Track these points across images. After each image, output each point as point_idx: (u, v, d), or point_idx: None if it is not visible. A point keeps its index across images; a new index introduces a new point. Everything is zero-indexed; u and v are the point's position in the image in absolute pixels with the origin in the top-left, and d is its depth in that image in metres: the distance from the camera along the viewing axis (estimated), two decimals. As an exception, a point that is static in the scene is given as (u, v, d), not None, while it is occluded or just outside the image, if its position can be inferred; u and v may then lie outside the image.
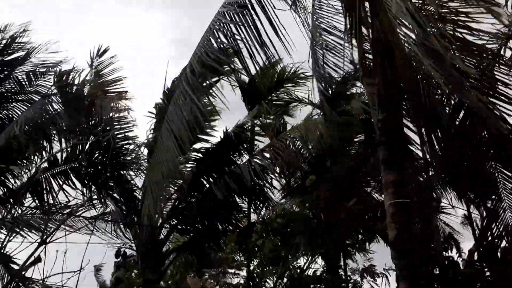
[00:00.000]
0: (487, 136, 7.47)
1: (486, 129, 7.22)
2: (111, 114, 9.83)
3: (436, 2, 5.68)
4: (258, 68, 11.01)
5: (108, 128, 9.83)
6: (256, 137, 11.64)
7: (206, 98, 6.59)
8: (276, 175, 10.62)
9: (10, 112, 10.19)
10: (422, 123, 7.73)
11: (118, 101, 9.87)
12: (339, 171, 10.63)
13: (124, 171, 10.55)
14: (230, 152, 10.80)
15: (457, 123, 7.80)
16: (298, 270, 9.37)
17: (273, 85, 11.97)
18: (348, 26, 5.86)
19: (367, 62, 6.32)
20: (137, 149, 10.50)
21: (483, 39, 5.68)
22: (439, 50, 4.25)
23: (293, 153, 9.99)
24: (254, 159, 10.10)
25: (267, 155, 9.95)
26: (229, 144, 10.75)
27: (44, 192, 9.85)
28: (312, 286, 9.47)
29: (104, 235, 10.82)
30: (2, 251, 8.65)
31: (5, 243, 8.50)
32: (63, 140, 9.72)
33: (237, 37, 5.44)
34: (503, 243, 8.74)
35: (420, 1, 5.93)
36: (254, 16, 5.38)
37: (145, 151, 10.57)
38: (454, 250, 11.01)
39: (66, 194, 9.99)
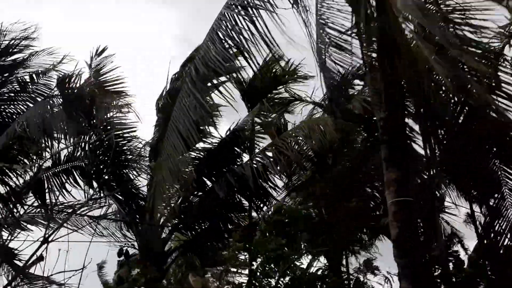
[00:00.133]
0: (490, 135, 7.45)
1: (489, 128, 7.20)
2: (112, 113, 9.85)
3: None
4: (258, 67, 11.11)
5: (109, 127, 9.84)
6: (257, 136, 11.64)
7: (209, 98, 6.61)
8: (278, 174, 10.59)
9: (13, 112, 10.22)
10: (424, 122, 7.73)
11: (118, 100, 9.88)
12: (340, 169, 10.64)
13: (126, 170, 10.56)
14: (231, 151, 10.80)
15: (459, 121, 7.80)
16: (300, 269, 9.36)
17: (273, 83, 11.95)
18: (353, 22, 5.88)
19: (371, 61, 6.32)
20: (139, 148, 10.51)
21: (486, 37, 5.66)
22: (445, 44, 4.24)
23: (295, 152, 9.97)
24: (256, 158, 10.10)
25: (270, 154, 9.94)
26: (230, 143, 10.75)
27: (46, 190, 9.87)
28: (314, 284, 9.46)
29: (107, 234, 10.86)
30: (6, 248, 8.69)
31: (8, 241, 8.54)
32: (65, 139, 9.75)
33: (239, 37, 5.44)
34: (506, 241, 8.72)
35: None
36: (256, 16, 5.38)
37: (147, 149, 10.57)
38: (459, 248, 10.94)
39: (68, 193, 10.03)
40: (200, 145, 10.68)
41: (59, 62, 10.19)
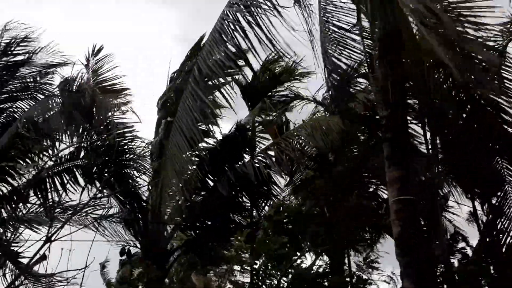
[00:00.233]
0: (493, 133, 7.45)
1: (492, 126, 7.20)
2: (112, 113, 9.86)
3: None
4: (260, 66, 11.09)
5: (109, 127, 9.85)
6: (258, 136, 11.64)
7: (212, 97, 6.63)
8: (280, 173, 10.59)
9: (15, 111, 10.24)
10: (427, 120, 7.73)
11: (118, 99, 9.90)
12: (341, 168, 10.63)
13: (128, 170, 10.57)
14: (233, 151, 10.80)
15: (462, 120, 7.79)
16: (302, 268, 9.37)
17: (274, 82, 11.94)
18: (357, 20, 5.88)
19: (373, 58, 6.32)
20: (140, 147, 10.53)
21: (489, 34, 5.65)
22: (453, 34, 4.23)
23: (297, 151, 9.96)
24: (258, 157, 10.10)
25: (271, 153, 9.94)
26: (232, 142, 10.76)
27: (49, 190, 9.89)
28: (316, 282, 9.47)
29: (108, 233, 10.88)
30: (9, 247, 8.72)
31: (11, 240, 8.56)
32: (66, 139, 9.78)
33: (242, 36, 5.44)
34: (508, 240, 8.71)
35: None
36: (258, 15, 5.38)
37: (148, 148, 10.58)
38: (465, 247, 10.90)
39: (70, 192, 10.04)
40: (203, 144, 10.68)
41: (62, 64, 10.21)
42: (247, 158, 10.84)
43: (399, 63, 5.78)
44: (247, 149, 11.09)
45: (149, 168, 10.50)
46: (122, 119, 10.16)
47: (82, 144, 10.02)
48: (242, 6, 5.51)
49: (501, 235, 8.76)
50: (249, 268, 9.70)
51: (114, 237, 10.92)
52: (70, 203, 10.03)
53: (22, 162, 9.43)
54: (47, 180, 9.95)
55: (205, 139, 10.33)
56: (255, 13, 5.34)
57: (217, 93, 6.37)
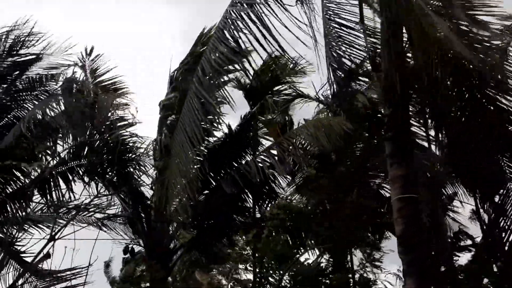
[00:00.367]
0: (495, 131, 7.44)
1: (494, 124, 7.20)
2: (114, 112, 9.90)
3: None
4: (262, 65, 11.09)
5: (111, 126, 9.88)
6: (260, 136, 11.66)
7: (216, 96, 6.66)
8: (283, 172, 10.60)
9: (22, 111, 10.28)
10: (429, 118, 7.72)
11: (120, 99, 9.94)
12: (343, 168, 10.65)
13: (131, 169, 10.60)
14: (235, 149, 10.83)
15: (464, 118, 7.78)
16: (305, 264, 9.41)
17: (276, 80, 11.95)
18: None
19: (376, 56, 6.33)
20: (142, 148, 10.54)
21: (493, 32, 5.66)
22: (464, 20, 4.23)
23: (299, 151, 9.98)
24: (261, 156, 10.12)
25: (274, 152, 9.95)
26: (234, 141, 10.78)
27: (52, 189, 9.92)
28: (318, 280, 9.51)
29: (112, 232, 10.91)
30: (13, 246, 8.76)
31: (15, 239, 8.60)
32: (70, 138, 9.82)
33: (245, 34, 5.45)
34: (511, 238, 8.70)
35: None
36: (262, 14, 5.39)
37: (150, 147, 10.60)
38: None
39: (73, 191, 10.06)
40: (205, 143, 10.69)
41: (68, 65, 10.24)
42: (248, 156, 10.87)
43: (402, 61, 5.79)
44: (250, 148, 11.12)
45: (152, 167, 10.52)
46: (124, 118, 10.20)
47: (85, 144, 10.04)
48: (245, 5, 5.52)
49: (503, 233, 8.76)
50: (252, 266, 9.74)
51: (118, 236, 10.98)
52: (74, 203, 10.06)
53: (26, 161, 9.46)
54: (51, 180, 9.98)
55: (208, 137, 10.38)
56: (258, 12, 5.35)
57: (219, 92, 6.38)
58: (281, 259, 9.88)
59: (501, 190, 8.57)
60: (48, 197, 10.03)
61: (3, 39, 10.05)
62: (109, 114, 9.83)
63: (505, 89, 6.69)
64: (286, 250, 9.78)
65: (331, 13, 6.43)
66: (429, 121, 8.57)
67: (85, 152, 10.13)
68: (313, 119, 11.09)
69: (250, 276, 10.98)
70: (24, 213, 9.59)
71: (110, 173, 10.36)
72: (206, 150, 10.65)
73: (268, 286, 10.10)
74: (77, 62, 10.23)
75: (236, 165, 10.51)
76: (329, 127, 9.19)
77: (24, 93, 10.34)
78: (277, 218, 10.35)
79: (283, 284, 9.83)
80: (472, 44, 5.41)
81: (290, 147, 9.64)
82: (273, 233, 10.10)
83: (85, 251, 7.30)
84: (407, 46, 6.22)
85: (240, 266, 11.06)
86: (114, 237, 10.86)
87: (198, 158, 10.15)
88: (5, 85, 10.23)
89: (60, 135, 9.62)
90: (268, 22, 5.31)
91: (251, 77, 11.54)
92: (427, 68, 6.08)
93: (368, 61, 6.73)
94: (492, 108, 7.03)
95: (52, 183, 9.97)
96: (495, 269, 9.45)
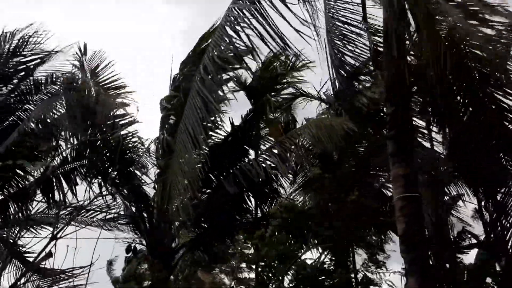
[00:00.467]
0: (498, 129, 7.42)
1: (497, 122, 7.18)
2: (115, 111, 9.91)
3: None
4: (263, 63, 11.06)
5: (113, 125, 9.90)
6: (263, 133, 11.65)
7: (218, 94, 6.65)
8: (285, 172, 10.59)
9: (26, 111, 10.31)
10: (431, 117, 7.70)
11: (120, 97, 9.95)
12: (346, 167, 10.64)
13: (133, 168, 10.61)
14: (236, 148, 10.83)
15: (466, 116, 7.76)
16: (307, 263, 9.41)
17: (278, 78, 11.93)
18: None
19: (378, 54, 6.33)
20: (143, 148, 10.56)
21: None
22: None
23: (302, 150, 9.96)
24: (263, 155, 10.12)
25: (276, 151, 9.94)
26: (236, 140, 10.78)
27: (55, 188, 9.94)
28: (319, 279, 9.50)
29: (114, 231, 10.93)
30: (16, 245, 8.77)
31: (17, 238, 8.61)
32: (72, 137, 9.83)
33: (248, 31, 5.45)
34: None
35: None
36: (264, 11, 5.38)
37: (152, 146, 10.63)
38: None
39: (75, 192, 10.08)
40: (207, 142, 10.69)
41: (73, 67, 10.25)
42: (251, 155, 10.87)
43: (404, 59, 5.79)
44: (252, 147, 11.12)
45: (154, 165, 10.54)
46: (125, 116, 10.21)
47: (87, 143, 10.05)
48: (248, 2, 5.51)
49: (506, 232, 8.73)
50: (254, 265, 9.74)
51: (120, 235, 11.00)
52: (76, 203, 10.08)
53: (29, 161, 9.48)
54: (53, 179, 10.01)
55: (210, 136, 10.38)
56: (260, 9, 5.33)
57: (221, 90, 6.37)
58: (283, 258, 9.88)
59: (503, 189, 8.54)
60: (51, 197, 10.06)
61: (8, 40, 10.08)
62: (111, 113, 9.85)
63: (507, 88, 6.68)
64: (288, 250, 9.78)
65: (333, 11, 6.43)
66: (431, 120, 8.55)
67: (87, 152, 10.15)
68: (315, 118, 11.08)
69: (252, 275, 11.01)
70: (26, 213, 9.61)
71: (112, 173, 10.37)
72: (208, 149, 10.65)
73: (270, 285, 10.11)
74: (75, 61, 10.26)
75: (238, 164, 10.51)
76: (330, 127, 9.17)
77: (28, 96, 10.35)
78: (280, 217, 10.35)
79: (285, 283, 9.83)
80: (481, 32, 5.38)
81: (293, 147, 9.63)
82: (276, 233, 10.10)
83: (87, 250, 7.29)
84: (415, 37, 6.19)
85: (242, 265, 11.06)
86: (117, 236, 10.90)
87: (200, 157, 10.16)
88: (10, 86, 10.27)
89: (63, 134, 9.64)
90: (270, 20, 5.30)
91: (252, 76, 11.54)
92: (434, 56, 6.00)
93: (370, 60, 6.72)
94: (493, 107, 7.01)
95: (54, 183, 10.00)
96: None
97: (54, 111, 9.18)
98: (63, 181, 10.13)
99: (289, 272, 9.83)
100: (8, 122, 10.14)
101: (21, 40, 10.10)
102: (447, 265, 9.26)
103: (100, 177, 10.26)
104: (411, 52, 6.59)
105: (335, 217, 10.18)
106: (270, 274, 10.02)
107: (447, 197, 10.26)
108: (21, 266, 9.24)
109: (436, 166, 9.16)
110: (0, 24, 10.11)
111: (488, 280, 9.86)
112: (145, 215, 10.53)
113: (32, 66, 10.29)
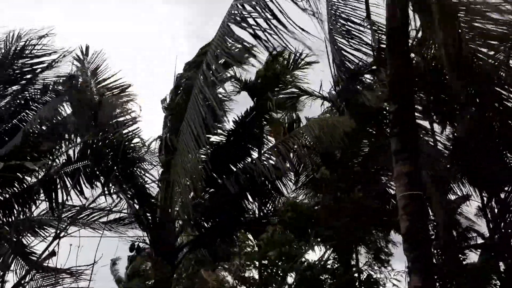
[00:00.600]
0: (501, 127, 7.40)
1: (500, 120, 7.16)
2: (117, 110, 9.93)
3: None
4: (265, 61, 11.03)
5: (116, 124, 9.91)
6: (266, 131, 11.64)
7: (221, 91, 6.65)
8: (287, 171, 10.58)
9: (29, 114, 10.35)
10: (435, 115, 7.69)
11: (122, 97, 9.97)
12: (348, 166, 10.62)
13: (135, 168, 10.62)
14: (240, 147, 10.83)
15: (469, 115, 7.74)
16: (310, 262, 9.40)
17: (281, 77, 11.92)
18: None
19: (381, 52, 6.31)
20: (146, 145, 10.57)
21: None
22: None
23: (305, 149, 9.95)
24: (265, 155, 10.12)
25: (279, 150, 9.93)
26: (238, 138, 10.78)
27: (58, 187, 9.96)
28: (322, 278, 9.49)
29: (118, 229, 10.95)
30: (19, 244, 8.80)
31: (21, 237, 8.64)
32: (75, 137, 9.86)
33: (250, 28, 5.43)
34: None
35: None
36: (267, 8, 5.36)
37: (153, 145, 10.63)
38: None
39: (79, 191, 10.09)
40: (209, 141, 10.70)
41: (77, 67, 10.28)
42: (254, 154, 10.87)
43: (407, 56, 5.77)
44: (254, 146, 11.12)
45: (157, 164, 10.55)
46: (127, 116, 10.22)
47: (90, 143, 10.07)
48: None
49: (510, 229, 8.71)
50: (257, 264, 9.73)
51: (123, 234, 11.02)
52: (80, 204, 10.09)
53: (33, 161, 9.50)
54: (57, 180, 10.02)
55: (212, 135, 10.40)
56: (263, 5, 5.32)
57: (224, 88, 6.36)
58: (286, 257, 9.87)
59: (508, 187, 8.53)
60: (54, 197, 10.07)
61: (13, 42, 10.10)
62: (113, 113, 9.87)
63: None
64: (292, 249, 9.76)
65: (336, 8, 6.41)
66: (434, 118, 8.54)
67: (90, 152, 10.16)
68: (317, 118, 11.06)
69: (255, 274, 11.00)
70: (29, 214, 9.63)
71: (115, 172, 10.38)
72: (210, 148, 10.66)
73: (273, 284, 10.10)
74: (78, 62, 10.28)
75: (240, 162, 10.51)
76: (333, 126, 9.15)
77: (34, 97, 10.37)
78: (285, 216, 10.35)
79: (287, 281, 9.82)
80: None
81: (295, 146, 9.62)
82: (280, 232, 10.08)
83: (90, 248, 7.32)
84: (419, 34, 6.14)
85: (246, 263, 11.04)
86: (120, 234, 10.92)
87: (203, 156, 10.17)
88: (15, 88, 10.30)
89: (67, 135, 9.67)
90: (279, 9, 5.26)
91: (255, 74, 11.54)
92: (447, 41, 5.94)
93: (373, 57, 6.71)
94: (496, 105, 6.98)
95: (58, 184, 10.02)
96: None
97: (59, 111, 9.22)
98: (67, 181, 10.15)
99: (292, 271, 9.82)
100: (13, 123, 10.18)
101: (27, 42, 10.13)
102: (451, 264, 9.23)
103: (103, 177, 10.28)
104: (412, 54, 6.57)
105: (339, 216, 10.16)
106: (273, 272, 10.03)
107: (454, 196, 10.22)
108: (25, 265, 9.27)
109: (440, 164, 9.13)
110: (0, 24, 10.15)
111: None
112: (148, 213, 10.55)
113: (38, 70, 10.33)
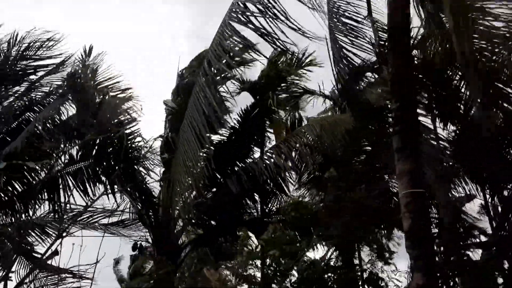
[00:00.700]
0: (504, 125, 7.38)
1: (503, 118, 7.13)
2: (120, 110, 9.94)
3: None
4: (267, 60, 11.02)
5: (118, 124, 9.92)
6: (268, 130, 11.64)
7: (222, 89, 6.64)
8: (289, 170, 10.57)
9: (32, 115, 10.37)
10: (437, 112, 7.67)
11: (123, 97, 9.98)
12: (349, 165, 10.60)
13: (137, 166, 10.64)
14: (241, 146, 10.82)
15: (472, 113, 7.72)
16: (312, 260, 9.39)
17: (282, 76, 11.90)
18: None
19: (383, 49, 6.29)
20: (148, 144, 10.58)
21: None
22: None
23: (307, 148, 9.93)
24: (268, 154, 10.11)
25: (281, 149, 9.92)
26: (240, 137, 10.77)
27: (61, 187, 9.97)
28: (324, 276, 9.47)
29: (120, 229, 10.95)
30: (22, 243, 8.82)
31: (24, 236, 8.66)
32: (77, 137, 9.87)
33: (251, 26, 5.41)
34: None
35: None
36: (269, 6, 5.35)
37: (155, 144, 10.64)
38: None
39: (81, 191, 10.11)
40: (211, 139, 10.69)
41: (77, 72, 10.28)
42: (257, 153, 10.87)
43: (409, 53, 5.75)
44: (256, 145, 11.11)
45: (159, 163, 10.56)
46: (128, 115, 10.22)
47: (92, 142, 10.08)
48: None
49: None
50: (259, 263, 9.72)
51: (125, 233, 11.03)
52: (81, 203, 10.11)
53: (35, 161, 9.52)
54: (59, 179, 10.04)
55: (213, 134, 10.39)
56: (264, 2, 5.30)
57: (225, 87, 6.36)
58: (289, 255, 9.87)
59: (510, 185, 8.49)
60: (56, 197, 10.09)
61: (17, 43, 10.12)
62: (115, 112, 9.88)
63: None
64: (294, 247, 9.76)
65: (338, 6, 6.39)
66: (437, 115, 8.51)
67: (93, 152, 10.18)
68: (319, 117, 11.05)
69: (257, 273, 11.00)
70: (32, 214, 9.65)
71: (117, 171, 10.39)
72: (212, 147, 10.66)
73: (275, 282, 10.10)
74: (79, 62, 10.28)
75: (243, 161, 10.51)
76: (334, 124, 9.13)
77: (39, 103, 10.39)
78: (288, 215, 10.35)
79: (290, 279, 9.82)
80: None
81: (297, 145, 9.61)
82: (283, 231, 10.09)
83: (92, 248, 7.34)
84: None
85: (249, 262, 11.05)
86: (122, 234, 10.92)
87: (204, 155, 10.17)
88: (18, 88, 10.33)
89: (70, 134, 9.69)
90: (280, 7, 5.25)
91: (256, 72, 11.55)
92: (459, 35, 5.90)
93: (375, 55, 6.69)
94: (501, 100, 6.96)
95: (60, 184, 10.03)
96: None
97: (61, 111, 9.25)
98: (69, 181, 10.17)
99: (294, 269, 9.82)
100: (17, 124, 10.20)
101: (31, 44, 10.14)
102: (453, 262, 9.20)
103: (105, 177, 10.29)
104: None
105: (341, 214, 10.14)
106: (276, 270, 10.03)
107: (457, 194, 10.18)
108: (28, 264, 9.28)
109: (442, 162, 9.09)
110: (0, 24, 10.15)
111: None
112: (150, 213, 10.56)
113: (42, 73, 10.35)
